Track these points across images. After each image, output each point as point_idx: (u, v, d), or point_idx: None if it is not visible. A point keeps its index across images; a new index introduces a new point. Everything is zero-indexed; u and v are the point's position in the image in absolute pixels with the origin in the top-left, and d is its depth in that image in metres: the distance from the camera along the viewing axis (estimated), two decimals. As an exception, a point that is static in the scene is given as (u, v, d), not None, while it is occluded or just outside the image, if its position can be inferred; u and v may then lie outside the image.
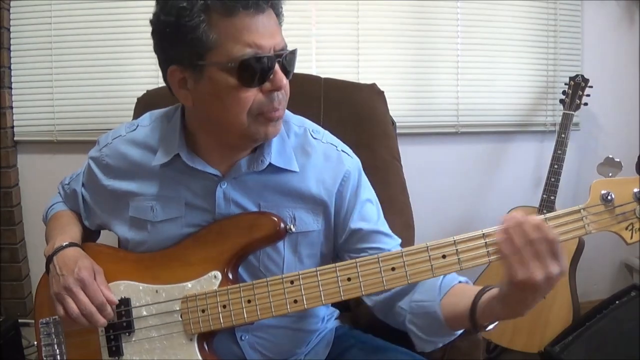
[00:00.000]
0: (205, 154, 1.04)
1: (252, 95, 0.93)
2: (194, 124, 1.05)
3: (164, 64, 0.97)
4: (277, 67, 0.93)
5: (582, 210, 0.87)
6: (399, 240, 1.12)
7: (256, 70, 0.91)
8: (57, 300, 1.00)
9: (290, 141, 1.08)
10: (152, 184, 1.07)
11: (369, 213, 1.10)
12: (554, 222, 0.86)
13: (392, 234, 1.12)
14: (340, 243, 1.10)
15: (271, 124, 0.97)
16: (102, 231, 1.24)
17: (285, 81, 0.95)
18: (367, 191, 1.13)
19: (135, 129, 1.12)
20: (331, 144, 1.11)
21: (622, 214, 0.86)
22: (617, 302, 2.00)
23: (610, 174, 0.88)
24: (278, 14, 0.95)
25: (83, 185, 1.18)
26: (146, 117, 1.14)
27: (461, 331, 0.99)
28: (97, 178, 1.12)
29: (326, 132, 1.14)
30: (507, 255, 0.82)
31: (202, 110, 0.99)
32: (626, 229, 0.86)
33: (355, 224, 1.08)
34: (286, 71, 0.95)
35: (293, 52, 0.96)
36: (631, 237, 0.86)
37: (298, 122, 1.12)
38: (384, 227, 1.12)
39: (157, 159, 1.06)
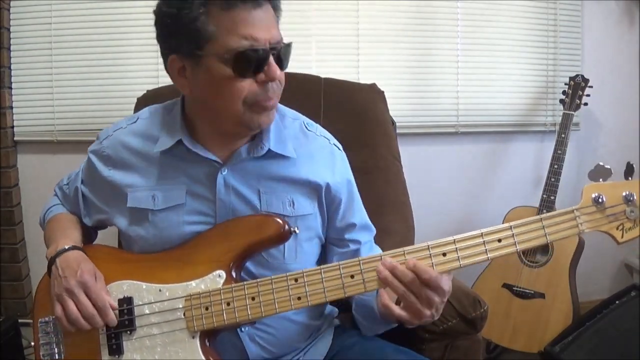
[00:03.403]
0: (205, 141, 1.08)
1: (247, 85, 0.97)
2: (193, 112, 1.08)
3: (165, 53, 1.02)
4: (271, 59, 0.97)
5: (575, 211, 0.94)
6: (374, 232, 1.23)
7: (251, 61, 0.95)
8: (58, 301, 1.01)
9: (287, 130, 1.13)
10: (153, 172, 1.09)
11: (360, 206, 1.21)
12: (549, 222, 0.93)
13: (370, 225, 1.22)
14: (332, 233, 1.17)
15: (265, 113, 1.02)
16: (99, 234, 1.25)
17: (279, 72, 0.99)
18: (355, 185, 1.21)
19: (135, 121, 1.15)
20: (324, 136, 1.18)
21: (613, 214, 0.93)
22: (617, 302, 2.01)
23: (600, 179, 0.95)
24: (276, 8, 1.00)
25: (82, 181, 1.19)
26: (145, 111, 1.17)
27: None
28: (97, 170, 1.13)
29: (319, 126, 1.20)
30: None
31: (199, 98, 1.04)
32: (617, 228, 0.93)
33: (353, 218, 1.17)
34: (281, 63, 1.00)
35: (288, 45, 1.01)
36: (622, 237, 0.93)
37: (293, 115, 1.17)
38: (366, 218, 1.22)
39: (158, 145, 1.08)
